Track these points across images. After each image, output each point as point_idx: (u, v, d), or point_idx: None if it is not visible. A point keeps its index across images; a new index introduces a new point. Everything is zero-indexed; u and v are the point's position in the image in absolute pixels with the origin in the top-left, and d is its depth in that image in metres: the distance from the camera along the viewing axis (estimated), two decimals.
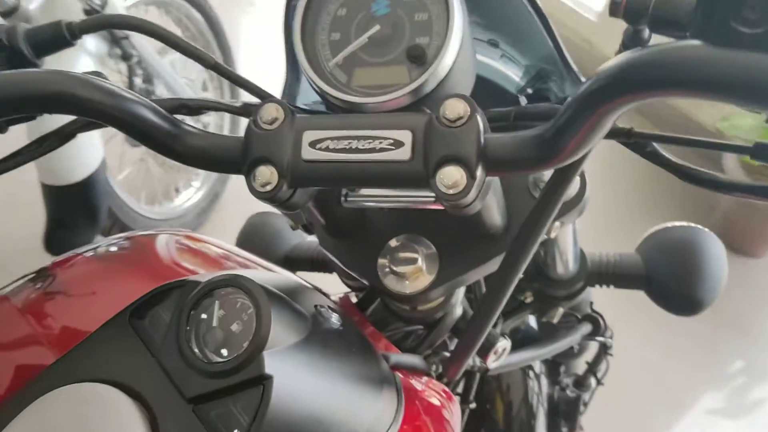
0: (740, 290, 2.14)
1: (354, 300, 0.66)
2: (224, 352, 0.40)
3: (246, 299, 0.41)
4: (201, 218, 2.31)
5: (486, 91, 0.56)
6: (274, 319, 0.40)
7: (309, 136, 0.43)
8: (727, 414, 1.94)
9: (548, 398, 1.14)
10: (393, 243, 0.56)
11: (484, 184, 0.41)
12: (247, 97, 0.56)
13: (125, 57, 1.72)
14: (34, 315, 0.51)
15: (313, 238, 0.90)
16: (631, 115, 0.41)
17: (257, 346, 0.39)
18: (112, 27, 0.52)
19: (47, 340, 0.49)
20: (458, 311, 0.63)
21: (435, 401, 0.59)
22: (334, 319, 0.50)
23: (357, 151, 0.42)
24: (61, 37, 0.52)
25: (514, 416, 1.04)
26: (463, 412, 0.78)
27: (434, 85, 0.44)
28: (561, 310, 0.82)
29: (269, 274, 0.58)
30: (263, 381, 0.39)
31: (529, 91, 0.63)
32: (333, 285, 0.70)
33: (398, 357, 0.56)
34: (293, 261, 0.88)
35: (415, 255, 0.54)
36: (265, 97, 0.53)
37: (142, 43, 1.78)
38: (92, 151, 1.64)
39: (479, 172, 0.39)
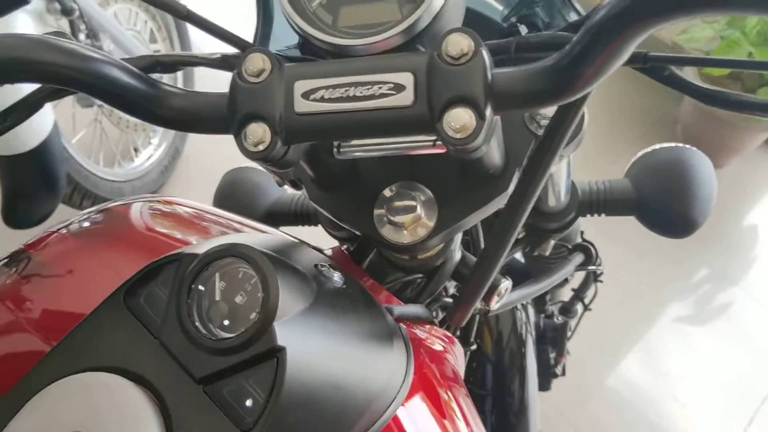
0: None
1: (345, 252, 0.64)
2: (230, 326, 0.38)
3: (248, 268, 0.39)
4: (164, 176, 2.24)
5: (470, 22, 0.53)
6: (280, 287, 0.38)
7: (301, 86, 0.40)
8: (695, 321, 2.04)
9: (535, 327, 1.16)
10: (387, 192, 0.54)
11: (492, 124, 0.38)
12: (223, 47, 0.52)
13: (65, 11, 1.60)
14: (16, 302, 0.48)
15: (293, 191, 0.88)
16: None
17: (267, 318, 0.37)
18: None
19: (35, 328, 0.46)
20: (457, 256, 0.61)
21: (439, 347, 0.58)
22: (336, 277, 0.48)
23: (354, 99, 0.39)
24: None
25: (504, 347, 1.06)
26: (465, 354, 0.78)
27: (429, 20, 0.41)
28: (552, 243, 0.81)
29: (263, 237, 0.55)
30: (276, 353, 0.37)
31: (513, 19, 0.60)
32: (316, 237, 0.67)
33: (401, 309, 0.55)
34: (275, 216, 0.85)
35: (412, 203, 0.52)
36: (245, 47, 0.49)
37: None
38: (43, 115, 1.56)
39: (488, 111, 0.37)
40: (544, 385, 1.31)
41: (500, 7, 0.60)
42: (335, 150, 0.48)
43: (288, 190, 0.89)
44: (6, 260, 0.52)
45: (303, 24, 0.43)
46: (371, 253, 0.62)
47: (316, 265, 0.48)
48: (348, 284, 0.49)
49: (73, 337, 0.40)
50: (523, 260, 1.03)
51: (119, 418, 0.35)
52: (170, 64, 0.48)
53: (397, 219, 0.52)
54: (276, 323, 0.37)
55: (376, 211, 0.54)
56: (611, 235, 1.54)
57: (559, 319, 1.19)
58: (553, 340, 1.25)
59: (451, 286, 0.71)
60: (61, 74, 0.40)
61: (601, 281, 1.01)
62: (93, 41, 1.72)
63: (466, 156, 0.40)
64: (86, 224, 0.57)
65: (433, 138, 0.45)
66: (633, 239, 1.66)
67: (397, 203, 0.53)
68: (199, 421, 0.36)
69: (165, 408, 0.37)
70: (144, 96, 0.42)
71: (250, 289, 0.38)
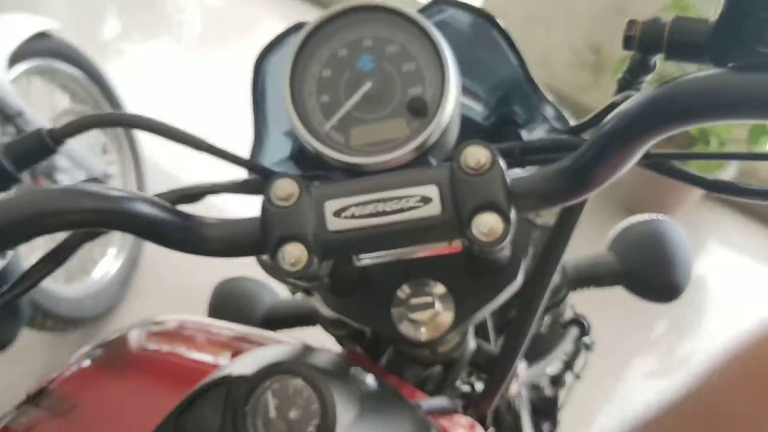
0: None
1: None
2: None
3: (300, 382, 0.40)
4: (124, 289, 2.18)
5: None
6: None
7: (331, 205, 0.42)
8: (660, 373, 2.07)
9: (528, 402, 1.16)
10: (401, 294, 0.55)
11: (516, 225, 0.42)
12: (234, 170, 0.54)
13: (7, 118, 1.59)
14: None
15: (286, 295, 0.88)
16: None
17: (327, 429, 0.38)
18: (102, 126, 0.49)
19: None
20: (472, 344, 0.63)
21: None
22: (369, 380, 0.50)
23: (385, 213, 0.41)
24: (43, 145, 0.49)
25: (503, 428, 1.06)
26: None
27: (438, 136, 0.45)
28: (548, 320, 0.84)
29: (292, 347, 0.56)
30: None
31: (492, 119, 0.64)
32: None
33: (428, 403, 0.56)
34: (274, 321, 0.85)
35: (429, 299, 0.54)
36: (263, 172, 0.52)
37: (36, 117, 1.67)
38: None
39: (512, 214, 0.40)
40: None
41: (479, 108, 0.65)
42: (355, 258, 0.50)
43: (281, 294, 0.90)
44: (30, 398, 0.51)
45: (319, 146, 0.45)
46: (387, 350, 0.63)
47: (349, 371, 0.49)
48: (379, 385, 0.50)
49: None
50: None
51: None
52: (196, 195, 0.50)
53: (416, 316, 0.54)
54: None
55: (394, 310, 0.55)
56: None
57: (549, 391, 1.20)
58: (545, 412, 1.25)
59: (467, 374, 0.73)
60: (89, 219, 0.42)
61: (592, 350, 1.04)
62: (48, 162, 1.71)
63: (489, 255, 0.43)
64: (104, 358, 0.56)
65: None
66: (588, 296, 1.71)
67: (414, 301, 0.54)
68: None
69: None
70: (179, 228, 0.43)
71: (302, 403, 0.39)
